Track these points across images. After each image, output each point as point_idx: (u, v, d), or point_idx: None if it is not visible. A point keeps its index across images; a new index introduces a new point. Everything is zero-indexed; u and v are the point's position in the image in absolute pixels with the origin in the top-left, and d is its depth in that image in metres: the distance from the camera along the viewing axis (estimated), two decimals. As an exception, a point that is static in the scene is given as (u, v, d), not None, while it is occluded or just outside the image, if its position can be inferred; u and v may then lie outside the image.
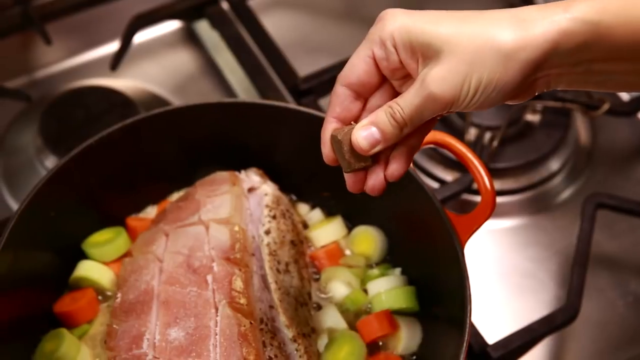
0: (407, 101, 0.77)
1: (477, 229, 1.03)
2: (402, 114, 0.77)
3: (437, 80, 0.74)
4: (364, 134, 0.78)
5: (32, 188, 1.04)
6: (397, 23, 0.77)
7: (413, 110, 0.77)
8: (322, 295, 1.13)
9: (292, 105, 1.17)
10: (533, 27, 0.73)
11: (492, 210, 1.03)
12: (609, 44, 0.74)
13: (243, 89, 1.45)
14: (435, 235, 1.05)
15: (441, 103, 0.75)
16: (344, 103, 0.81)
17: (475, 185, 1.31)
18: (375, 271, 1.15)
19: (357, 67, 0.80)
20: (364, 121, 0.79)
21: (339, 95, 0.81)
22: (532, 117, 1.41)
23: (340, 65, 1.38)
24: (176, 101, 1.44)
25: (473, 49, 0.74)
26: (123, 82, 1.43)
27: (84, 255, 1.13)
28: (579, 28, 0.73)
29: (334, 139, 0.81)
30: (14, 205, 1.30)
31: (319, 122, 1.11)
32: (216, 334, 0.98)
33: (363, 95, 0.82)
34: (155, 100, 1.43)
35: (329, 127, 0.83)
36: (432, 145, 1.11)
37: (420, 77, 0.76)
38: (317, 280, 1.14)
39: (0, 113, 1.40)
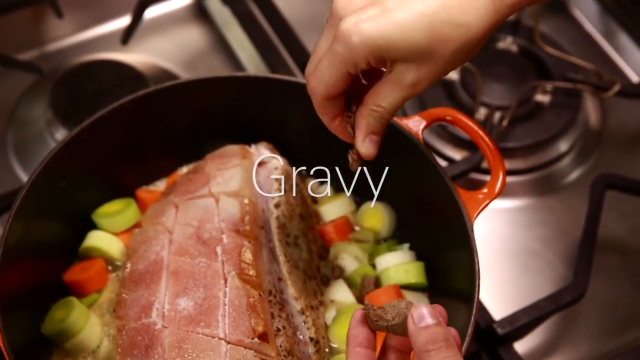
0: (389, 101, 0.82)
1: (486, 205, 1.03)
2: (387, 112, 0.83)
3: (416, 83, 0.80)
4: (368, 145, 0.86)
5: (43, 157, 1.05)
6: (367, 44, 0.78)
7: (396, 107, 0.82)
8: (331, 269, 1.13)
9: (304, 80, 1.17)
10: (496, 16, 0.78)
11: (502, 187, 1.04)
12: None
13: (253, 65, 1.45)
14: (444, 211, 1.06)
15: (417, 94, 0.83)
16: (335, 105, 0.86)
17: (483, 165, 1.32)
18: (383, 246, 1.15)
19: (336, 84, 0.82)
20: (359, 135, 0.85)
21: (326, 106, 0.86)
22: (542, 98, 1.41)
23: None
24: (186, 76, 1.45)
25: (447, 55, 0.78)
26: (134, 57, 1.44)
27: (94, 226, 1.14)
28: None
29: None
30: (24, 177, 1.31)
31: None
32: (225, 305, 0.99)
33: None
34: (165, 75, 1.43)
35: (335, 126, 0.88)
36: (442, 123, 1.12)
37: (395, 77, 0.80)
38: (326, 254, 1.15)
39: (11, 85, 1.40)
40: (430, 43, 0.77)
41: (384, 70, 0.83)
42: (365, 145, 0.85)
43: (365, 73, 0.86)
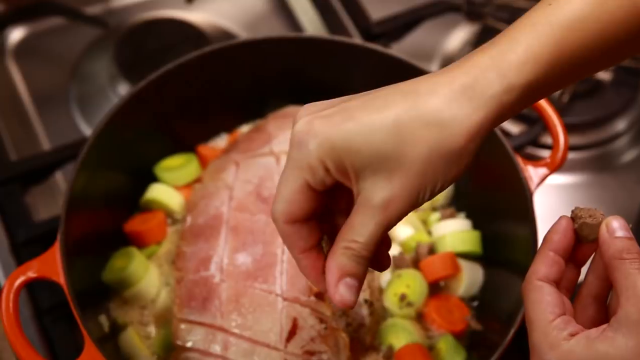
0: (363, 233, 0.67)
1: (548, 175, 1.03)
2: (363, 248, 0.67)
3: (388, 202, 0.66)
4: (343, 290, 0.68)
5: (110, 108, 1.06)
6: (322, 145, 0.66)
7: (372, 238, 0.67)
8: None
9: (368, 44, 1.17)
10: (476, 113, 0.66)
11: (564, 157, 1.04)
12: (549, 87, 0.71)
13: (314, 29, 1.45)
14: (504, 180, 1.06)
15: (398, 219, 0.68)
16: (303, 236, 0.70)
17: (541, 139, 1.32)
18: (437, 214, 1.15)
19: (295, 200, 0.68)
20: (331, 279, 0.68)
21: (291, 234, 0.70)
22: (603, 75, 1.40)
23: (415, 10, 1.40)
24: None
25: (421, 160, 0.65)
26: (197, 16, 1.45)
27: (155, 179, 1.15)
28: (520, 94, 0.68)
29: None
30: (86, 129, 1.32)
31: (393, 61, 1.14)
32: (283, 262, 1.00)
33: (312, 217, 0.70)
34: (226, 36, 1.44)
35: (306, 263, 0.72)
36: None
37: (364, 200, 0.66)
38: (382, 219, 1.15)
39: (77, 39, 1.42)
40: (398, 144, 0.65)
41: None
42: (339, 291, 0.68)
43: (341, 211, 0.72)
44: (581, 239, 0.74)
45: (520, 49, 0.68)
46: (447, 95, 0.67)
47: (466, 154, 0.67)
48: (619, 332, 0.64)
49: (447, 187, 0.69)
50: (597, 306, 0.73)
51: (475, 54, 0.70)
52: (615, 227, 0.70)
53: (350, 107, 0.67)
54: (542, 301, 0.69)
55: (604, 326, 0.66)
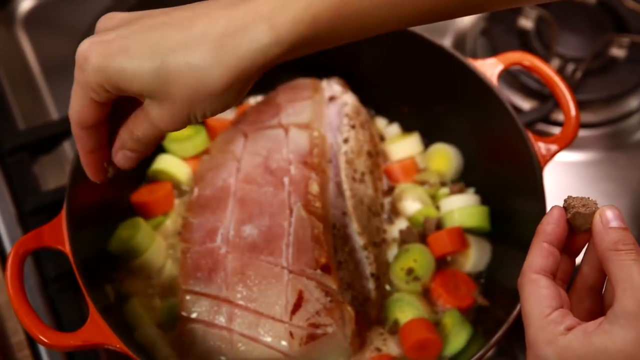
0: (140, 129, 0.74)
1: (558, 151, 1.02)
2: (140, 137, 0.75)
3: (162, 120, 0.72)
4: (120, 157, 0.78)
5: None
6: (97, 74, 0.70)
7: (147, 136, 0.75)
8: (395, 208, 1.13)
9: (379, 16, 1.16)
10: (238, 63, 0.68)
11: (574, 133, 1.03)
12: (329, 41, 0.71)
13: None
14: (514, 156, 1.05)
15: (172, 130, 0.74)
16: (92, 140, 0.76)
17: (552, 116, 1.31)
18: (446, 189, 1.15)
19: (85, 112, 0.74)
20: (115, 146, 0.77)
21: (83, 136, 0.76)
22: (617, 52, 1.38)
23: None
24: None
25: (185, 98, 0.69)
26: (207, -13, 1.43)
27: (163, 150, 1.15)
28: (291, 47, 0.68)
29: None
30: (95, 100, 1.32)
31: (405, 37, 1.13)
32: (289, 235, 1.00)
33: (104, 121, 0.76)
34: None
35: (88, 161, 0.79)
36: (517, 67, 1.11)
37: (145, 108, 0.72)
38: (391, 193, 1.15)
39: (88, 8, 1.40)
40: (163, 85, 0.69)
41: None
42: (117, 156, 0.78)
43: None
44: (574, 229, 0.72)
45: (299, 8, 0.68)
46: (215, 42, 0.68)
47: (230, 93, 0.70)
48: (616, 325, 0.64)
49: (218, 112, 0.73)
50: (594, 298, 0.72)
51: None
52: (610, 217, 0.69)
53: (129, 35, 0.70)
54: (539, 294, 0.69)
55: (601, 319, 0.65)
